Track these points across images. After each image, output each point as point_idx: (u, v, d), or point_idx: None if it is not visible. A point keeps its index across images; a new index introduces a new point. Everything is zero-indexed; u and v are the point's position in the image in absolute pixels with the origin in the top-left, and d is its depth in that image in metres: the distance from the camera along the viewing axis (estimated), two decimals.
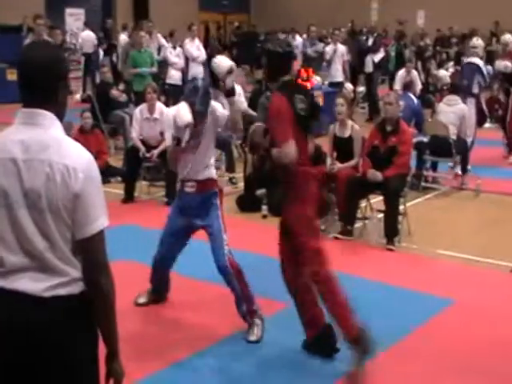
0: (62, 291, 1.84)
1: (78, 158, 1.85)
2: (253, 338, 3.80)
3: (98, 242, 1.87)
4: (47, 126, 1.86)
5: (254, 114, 8.49)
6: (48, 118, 1.86)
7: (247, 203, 6.56)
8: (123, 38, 13.60)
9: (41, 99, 1.86)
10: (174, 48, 11.52)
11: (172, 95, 10.49)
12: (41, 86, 1.86)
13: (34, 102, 1.86)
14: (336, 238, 5.67)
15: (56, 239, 1.84)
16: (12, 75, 13.18)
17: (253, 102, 8.92)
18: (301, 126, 3.49)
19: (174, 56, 11.29)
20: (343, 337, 3.44)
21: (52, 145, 1.83)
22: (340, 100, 6.18)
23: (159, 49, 11.80)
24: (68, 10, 18.34)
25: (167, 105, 8.23)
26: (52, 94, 1.88)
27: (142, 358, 3.62)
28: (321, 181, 5.86)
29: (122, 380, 2.00)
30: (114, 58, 14.09)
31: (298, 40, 15.04)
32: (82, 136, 7.50)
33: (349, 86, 12.09)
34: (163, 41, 12.17)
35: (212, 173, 3.98)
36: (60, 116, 1.91)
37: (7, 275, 1.84)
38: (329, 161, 6.14)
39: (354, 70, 12.73)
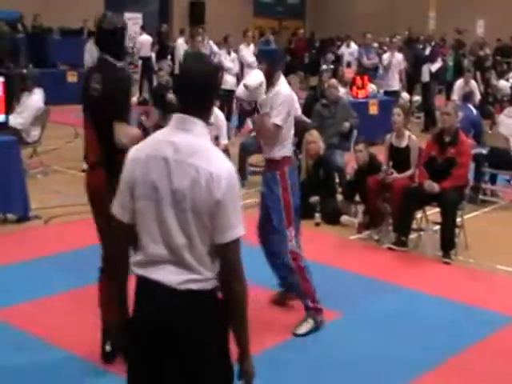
0: (195, 286, 1.98)
1: (221, 166, 1.98)
2: (297, 331, 3.93)
3: (235, 249, 1.99)
4: (198, 133, 2.02)
5: (308, 120, 8.51)
6: (199, 125, 2.03)
7: (301, 211, 6.56)
8: (180, 42, 13.85)
9: (195, 107, 2.02)
10: (229, 53, 11.62)
11: (226, 100, 10.60)
12: (197, 96, 2.03)
13: (188, 109, 2.02)
14: (390, 248, 5.62)
15: (194, 239, 1.97)
16: (72, 77, 13.58)
17: (307, 109, 8.95)
18: None
19: (228, 61, 11.40)
20: (305, 303, 3.90)
21: (200, 151, 1.99)
22: (397, 110, 6.14)
23: (211, 55, 11.96)
24: (127, 15, 18.76)
25: (222, 110, 8.33)
26: (205, 103, 2.06)
27: None
28: (376, 190, 5.86)
29: (251, 381, 2.09)
30: (170, 62, 14.36)
31: (353, 47, 14.97)
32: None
33: (405, 95, 11.97)
34: (215, 48, 12.32)
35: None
36: (206, 121, 2.08)
37: (147, 265, 2.00)
38: (384, 170, 6.09)
39: (410, 79, 12.58)
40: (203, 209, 1.94)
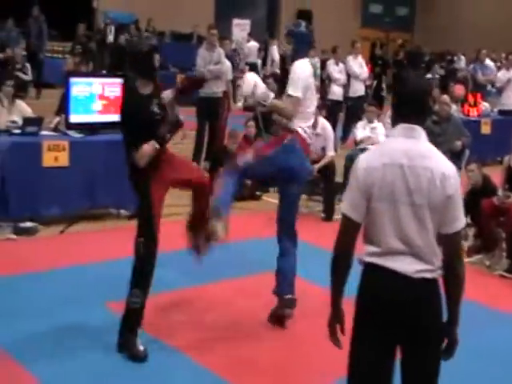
0: (428, 275, 2.38)
1: (449, 166, 2.41)
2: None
3: (459, 237, 2.43)
4: (422, 140, 2.43)
5: None
6: (421, 132, 2.43)
7: None
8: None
9: (417, 117, 2.43)
10: (337, 64, 11.63)
11: (333, 111, 10.60)
12: (420, 107, 2.44)
13: (412, 119, 2.42)
14: (502, 275, 5.40)
15: (428, 232, 2.37)
16: (180, 80, 14.11)
17: None
18: None
19: (336, 72, 11.42)
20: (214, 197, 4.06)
21: (429, 155, 2.40)
22: None
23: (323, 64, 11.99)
24: (235, 21, 19.23)
25: (329, 120, 8.34)
26: (425, 113, 2.49)
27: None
28: (490, 214, 5.65)
29: (456, 347, 2.51)
30: (276, 69, 14.56)
31: (462, 61, 14.54)
32: (246, 144, 7.83)
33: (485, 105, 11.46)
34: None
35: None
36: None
37: (382, 255, 2.41)
38: (500, 193, 5.87)
39: None
40: (438, 204, 2.35)
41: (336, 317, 2.51)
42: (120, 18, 16.45)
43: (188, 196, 4.38)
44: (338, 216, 5.29)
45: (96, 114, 6.26)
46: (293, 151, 4.15)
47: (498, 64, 13.96)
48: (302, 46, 4.34)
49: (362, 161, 2.44)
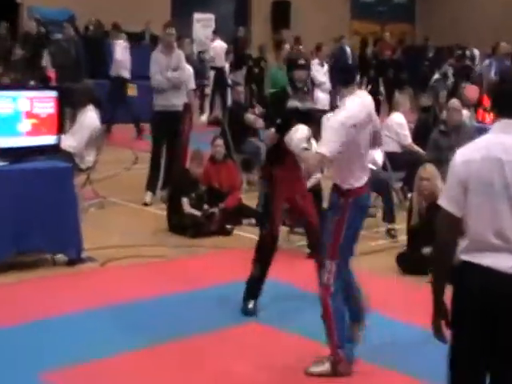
0: None
1: None
2: (311, 369, 4.48)
3: None
4: None
5: (420, 150, 8.51)
6: None
7: (411, 263, 6.54)
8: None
9: None
10: (322, 65, 11.75)
11: (318, 122, 10.72)
12: None
13: (510, 115, 2.93)
14: None
15: None
16: (132, 90, 14.11)
17: (419, 137, 8.95)
18: None
19: (321, 75, 11.53)
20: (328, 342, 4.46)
21: None
22: None
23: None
24: (196, 16, 19.37)
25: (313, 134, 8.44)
26: None
27: None
28: None
29: None
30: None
31: (476, 57, 14.79)
32: (213, 167, 7.91)
33: None
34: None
35: None
36: None
37: (475, 252, 2.88)
38: None
39: None
40: None
41: (440, 313, 3.01)
42: (50, 15, 16.45)
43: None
44: None
45: (23, 137, 6.25)
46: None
47: None
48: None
49: (459, 155, 2.95)
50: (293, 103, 5.36)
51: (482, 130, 9.28)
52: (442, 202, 2.97)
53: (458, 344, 2.97)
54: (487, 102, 10.58)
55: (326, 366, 4.47)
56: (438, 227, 3.00)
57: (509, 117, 2.93)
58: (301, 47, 10.95)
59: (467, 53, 17.67)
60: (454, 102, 8.16)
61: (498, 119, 2.96)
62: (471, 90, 11.63)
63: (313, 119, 5.39)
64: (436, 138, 7.81)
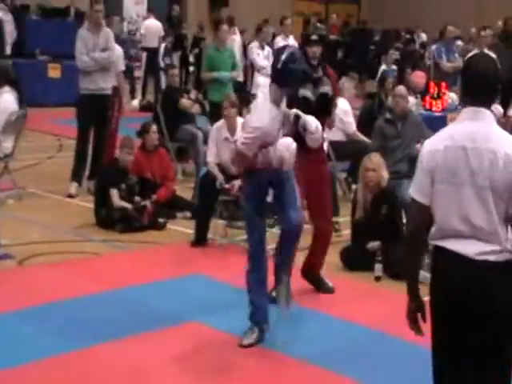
0: (491, 257, 3.04)
1: None
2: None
3: None
4: (488, 122, 3.13)
5: (365, 139, 8.59)
6: (487, 115, 3.13)
7: (355, 258, 6.59)
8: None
9: (485, 101, 3.15)
10: (262, 48, 11.75)
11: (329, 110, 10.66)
12: (490, 91, 3.18)
13: (476, 102, 3.13)
14: None
15: (492, 213, 3.04)
16: (55, 71, 13.87)
17: (364, 124, 9.02)
18: None
19: (262, 58, 11.53)
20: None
21: (494, 137, 3.08)
22: None
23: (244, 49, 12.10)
24: None
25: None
26: (492, 95, 3.20)
27: None
28: None
29: None
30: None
31: (423, 40, 14.93)
32: (143, 156, 7.81)
33: (497, 108, 11.90)
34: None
35: None
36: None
37: (444, 237, 3.13)
38: None
39: (507, 88, 12.52)
40: (501, 186, 3.02)
41: (415, 305, 3.23)
42: None
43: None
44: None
45: None
46: None
47: (470, 46, 14.45)
48: None
49: (426, 144, 3.22)
50: (304, 92, 5.45)
51: (428, 119, 9.51)
52: (411, 190, 3.24)
53: (436, 331, 3.18)
54: (434, 89, 10.76)
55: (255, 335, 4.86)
56: (408, 216, 3.36)
57: (474, 104, 3.13)
58: (235, 28, 10.77)
59: (415, 37, 17.93)
60: (401, 88, 8.21)
61: (465, 107, 3.17)
62: (418, 76, 11.75)
63: (325, 108, 5.60)
64: (381, 126, 7.85)
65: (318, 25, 16.43)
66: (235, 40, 13.18)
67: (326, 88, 5.66)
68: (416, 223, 3.23)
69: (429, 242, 3.22)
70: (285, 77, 4.82)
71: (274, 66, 4.94)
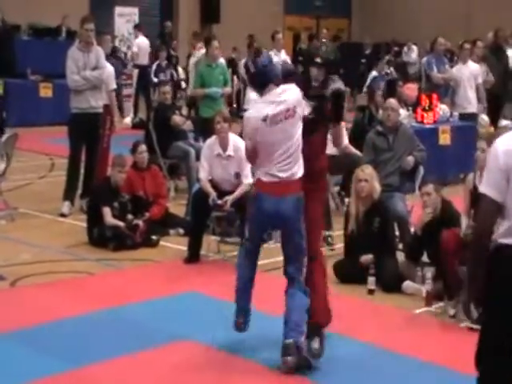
0: None
1: None
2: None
3: None
4: None
5: (357, 153, 8.60)
6: None
7: (348, 271, 6.61)
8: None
9: None
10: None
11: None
12: None
13: None
14: (470, 328, 5.57)
15: None
16: (46, 91, 13.89)
17: (355, 137, 9.04)
18: None
19: None
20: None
21: None
22: (482, 144, 6.19)
23: (232, 63, 12.13)
24: (118, 9, 19.25)
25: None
26: None
27: None
28: (452, 249, 5.86)
29: None
30: (175, 74, 14.63)
31: (414, 53, 15.06)
32: (136, 173, 7.81)
33: (484, 119, 11.96)
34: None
35: None
36: None
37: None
38: (464, 223, 6.10)
39: (498, 99, 12.59)
40: None
41: (472, 298, 3.36)
42: None
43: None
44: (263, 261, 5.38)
45: None
46: None
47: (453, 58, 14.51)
48: None
49: (500, 144, 3.32)
50: (335, 86, 5.26)
51: (420, 131, 9.54)
52: (483, 188, 3.34)
53: (489, 325, 3.30)
54: (425, 102, 10.79)
55: None
56: (479, 213, 3.41)
57: None
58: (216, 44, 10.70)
59: (405, 49, 18.00)
60: (391, 101, 8.24)
61: None
62: (409, 89, 11.77)
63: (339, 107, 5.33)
64: (373, 138, 7.86)
65: (324, 40, 16.21)
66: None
67: (338, 84, 5.42)
68: (487, 220, 3.30)
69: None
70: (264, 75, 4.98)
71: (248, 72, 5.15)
